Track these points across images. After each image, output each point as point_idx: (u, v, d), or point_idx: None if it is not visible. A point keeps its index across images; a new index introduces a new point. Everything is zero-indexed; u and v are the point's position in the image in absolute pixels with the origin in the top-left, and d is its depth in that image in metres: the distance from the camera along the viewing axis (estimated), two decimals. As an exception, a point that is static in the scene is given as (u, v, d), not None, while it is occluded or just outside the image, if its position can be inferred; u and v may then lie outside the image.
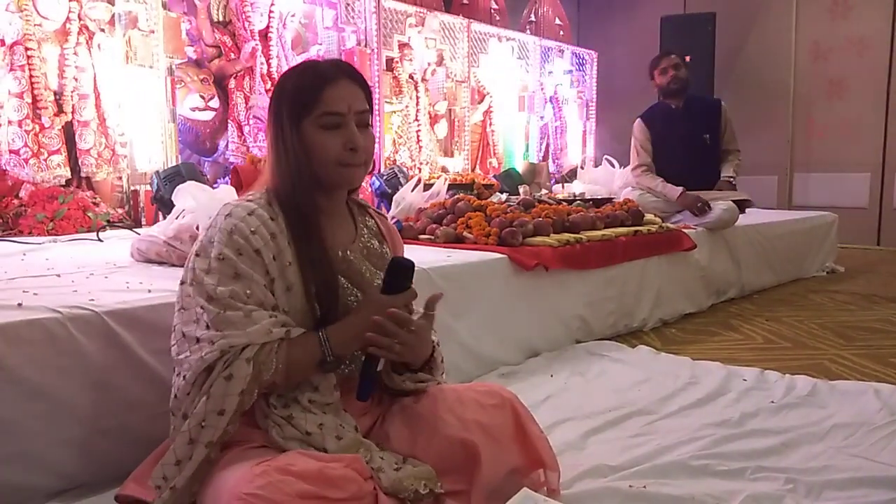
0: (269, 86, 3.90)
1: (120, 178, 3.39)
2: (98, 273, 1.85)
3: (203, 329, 1.12)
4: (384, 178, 4.09)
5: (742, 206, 3.62)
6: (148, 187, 3.35)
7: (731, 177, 3.74)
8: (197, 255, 1.17)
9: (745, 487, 1.40)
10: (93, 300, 1.42)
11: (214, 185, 3.35)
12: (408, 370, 1.30)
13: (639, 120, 3.87)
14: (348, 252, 1.28)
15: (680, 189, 3.60)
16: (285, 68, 3.98)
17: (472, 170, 5.34)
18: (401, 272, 1.20)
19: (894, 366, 2.33)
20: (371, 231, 1.36)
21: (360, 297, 1.25)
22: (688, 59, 5.70)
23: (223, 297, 1.11)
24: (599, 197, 3.97)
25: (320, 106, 1.19)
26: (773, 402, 1.92)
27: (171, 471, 1.09)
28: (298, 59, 4.13)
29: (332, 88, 1.20)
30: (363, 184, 4.31)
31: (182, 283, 1.19)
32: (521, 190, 4.40)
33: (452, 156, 5.22)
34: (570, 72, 6.35)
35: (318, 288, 1.19)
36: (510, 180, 4.89)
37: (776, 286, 3.88)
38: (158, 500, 1.10)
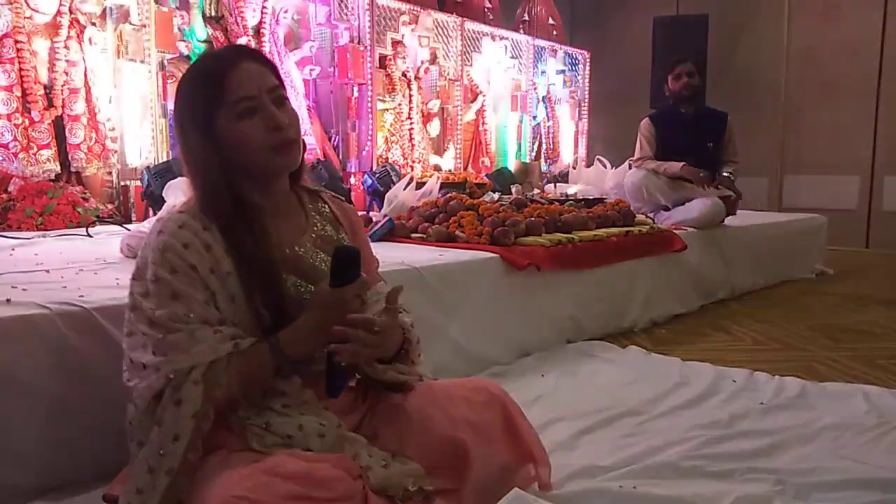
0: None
1: (110, 173, 3.37)
2: (88, 269, 1.84)
3: (149, 355, 1.07)
4: (376, 176, 4.08)
5: (732, 206, 3.64)
6: (138, 183, 3.33)
7: (730, 173, 3.76)
8: (134, 278, 1.13)
9: (735, 488, 1.40)
10: (82, 296, 1.41)
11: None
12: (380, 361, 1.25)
13: (647, 119, 3.92)
14: (296, 247, 1.22)
15: (681, 163, 3.62)
16: (278, 65, 3.98)
17: (465, 169, 5.34)
18: (346, 262, 1.12)
19: (883, 368, 2.35)
20: (324, 217, 1.29)
21: (296, 281, 1.19)
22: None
23: (163, 320, 1.06)
24: (591, 197, 3.97)
25: (229, 94, 1.11)
26: (762, 403, 1.93)
27: (136, 500, 1.04)
28: (291, 56, 4.12)
29: (235, 73, 1.12)
30: (356, 182, 4.33)
31: (127, 307, 1.14)
32: (513, 189, 4.40)
33: (442, 156, 5.22)
34: (563, 72, 6.36)
35: (263, 295, 1.13)
36: (502, 180, 4.89)
37: (766, 288, 3.90)
38: None
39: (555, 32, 6.44)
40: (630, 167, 3.94)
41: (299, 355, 1.13)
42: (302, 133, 1.23)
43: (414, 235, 2.75)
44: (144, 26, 3.34)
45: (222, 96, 1.12)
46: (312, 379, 1.18)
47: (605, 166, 4.73)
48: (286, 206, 1.25)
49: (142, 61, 3.34)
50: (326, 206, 1.32)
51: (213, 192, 1.14)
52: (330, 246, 1.24)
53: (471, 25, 5.35)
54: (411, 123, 4.84)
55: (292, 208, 1.26)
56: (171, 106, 3.51)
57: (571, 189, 4.52)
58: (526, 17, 6.34)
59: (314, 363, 1.18)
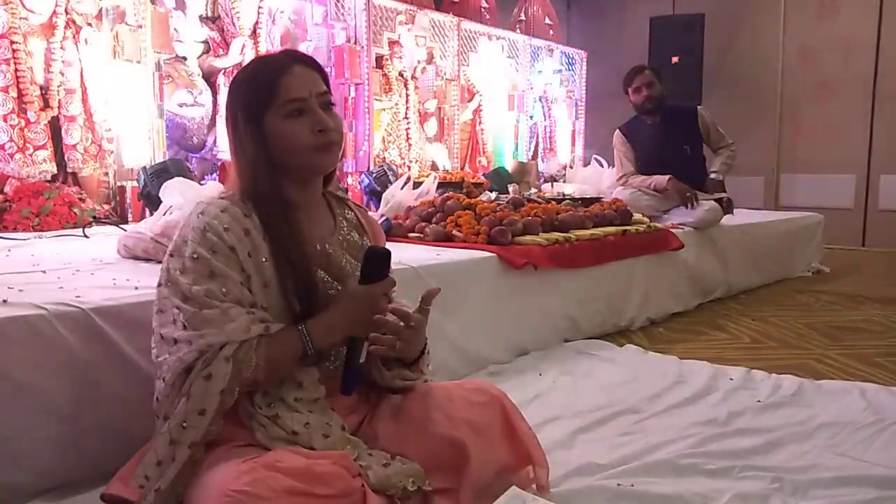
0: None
1: (106, 173, 3.36)
2: (84, 270, 1.84)
3: (180, 330, 1.11)
4: (373, 175, 4.08)
5: (727, 206, 3.65)
6: (135, 183, 3.32)
7: (716, 171, 3.76)
8: (171, 255, 1.16)
9: (732, 486, 1.41)
10: (79, 297, 1.40)
11: (202, 182, 3.33)
12: (399, 364, 1.30)
13: (618, 132, 3.91)
14: (327, 245, 1.27)
15: (667, 176, 3.62)
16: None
17: (462, 168, 5.34)
18: (377, 260, 1.18)
19: (879, 365, 2.35)
20: (350, 224, 1.34)
21: (325, 277, 1.24)
22: (675, 60, 5.76)
23: (199, 295, 1.09)
24: (588, 196, 3.98)
25: (280, 95, 1.17)
26: (759, 401, 1.94)
27: (153, 471, 1.08)
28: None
29: (287, 76, 1.18)
30: (353, 182, 4.33)
31: (159, 284, 1.18)
32: (510, 189, 4.40)
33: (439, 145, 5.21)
34: (560, 71, 6.37)
35: (296, 283, 1.18)
36: (499, 179, 4.89)
37: (762, 286, 3.91)
38: (143, 501, 1.08)
39: (551, 32, 6.45)
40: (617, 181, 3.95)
41: (325, 345, 1.16)
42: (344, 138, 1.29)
43: (411, 235, 2.75)
44: (141, 27, 3.33)
45: (274, 97, 1.18)
46: (326, 377, 1.21)
47: (602, 165, 4.73)
48: (318, 207, 1.30)
49: (138, 62, 3.34)
50: (352, 213, 1.37)
51: (258, 184, 1.18)
52: (355, 251, 1.30)
53: (467, 25, 5.35)
54: (408, 123, 4.84)
55: (323, 210, 1.32)
56: (167, 106, 3.52)
57: (568, 188, 4.52)
58: (522, 17, 6.34)
59: (331, 360, 1.23)
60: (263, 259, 1.16)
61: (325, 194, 1.33)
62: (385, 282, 1.18)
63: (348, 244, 1.31)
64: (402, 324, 1.20)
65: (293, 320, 1.17)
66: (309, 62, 1.23)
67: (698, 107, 3.90)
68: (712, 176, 3.75)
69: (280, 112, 1.18)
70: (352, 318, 1.16)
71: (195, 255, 1.12)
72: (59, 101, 3.16)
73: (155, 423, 1.15)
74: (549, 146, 6.28)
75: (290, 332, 1.15)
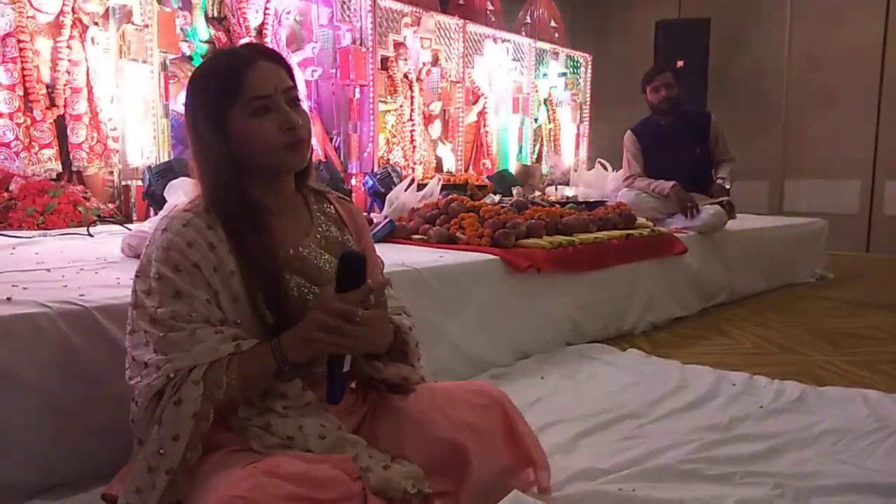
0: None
1: (111, 172, 3.37)
2: (88, 268, 1.84)
3: (151, 353, 1.07)
4: (377, 177, 4.08)
5: (729, 210, 3.66)
6: (140, 182, 3.33)
7: (724, 178, 3.77)
8: (137, 275, 1.12)
9: (734, 492, 1.40)
10: (83, 295, 1.41)
11: (207, 182, 3.33)
12: (389, 359, 1.25)
13: (629, 132, 3.94)
14: (300, 248, 1.21)
15: (672, 183, 3.63)
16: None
17: (466, 170, 5.34)
18: (350, 267, 1.10)
19: (883, 372, 2.35)
20: (329, 218, 1.29)
21: (299, 281, 1.19)
22: (681, 64, 5.75)
23: (165, 318, 1.06)
24: (592, 200, 3.98)
25: (245, 91, 1.11)
26: (761, 407, 1.93)
27: (134, 499, 1.05)
28: (293, 57, 4.13)
29: (252, 72, 1.12)
30: (357, 183, 4.33)
31: (130, 305, 1.13)
32: (514, 191, 4.41)
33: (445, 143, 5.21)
34: (565, 74, 6.36)
35: (266, 294, 1.13)
36: (503, 182, 4.89)
37: (766, 292, 3.90)
38: None
39: (556, 35, 6.45)
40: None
41: (300, 359, 1.11)
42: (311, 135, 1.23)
43: (415, 237, 2.75)
44: (147, 26, 3.34)
45: (238, 93, 1.12)
46: (314, 381, 1.17)
47: (606, 169, 4.73)
48: (291, 207, 1.24)
49: (144, 61, 3.35)
50: (332, 207, 1.31)
51: (222, 187, 1.14)
52: (335, 247, 1.24)
53: (473, 27, 5.36)
54: (413, 125, 4.85)
55: (297, 209, 1.26)
56: (172, 106, 3.52)
57: (572, 191, 4.52)
58: (528, 20, 6.35)
59: (316, 365, 1.18)
60: (230, 272, 1.11)
61: (301, 189, 1.27)
62: (360, 289, 1.10)
63: (327, 241, 1.25)
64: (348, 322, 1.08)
65: (268, 333, 1.13)
66: (274, 56, 1.18)
67: (712, 115, 3.91)
68: (719, 181, 3.76)
69: (245, 110, 1.12)
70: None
71: (158, 276, 1.08)
72: (65, 99, 3.17)
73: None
74: (553, 149, 6.28)
75: (262, 349, 1.10)
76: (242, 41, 3.79)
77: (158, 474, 1.03)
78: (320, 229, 1.26)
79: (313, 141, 4.02)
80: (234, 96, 1.12)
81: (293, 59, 4.11)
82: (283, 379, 1.13)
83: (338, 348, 1.11)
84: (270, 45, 3.93)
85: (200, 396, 1.04)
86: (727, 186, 3.76)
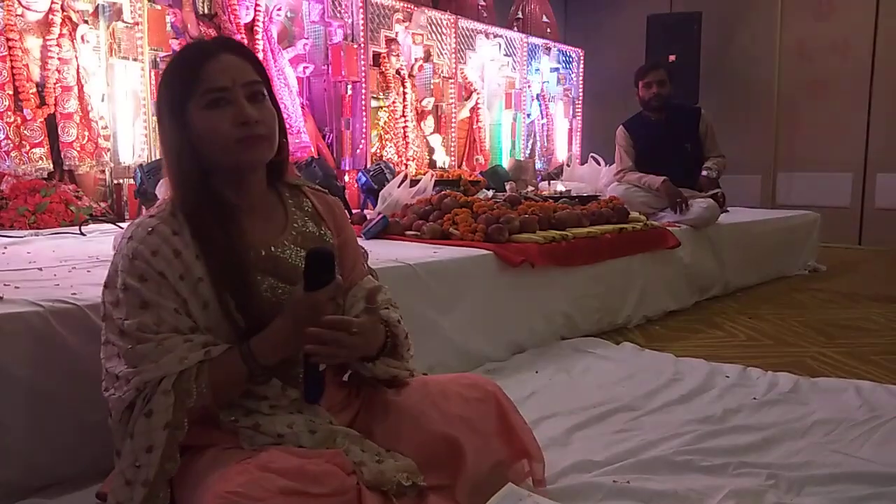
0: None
1: (103, 171, 3.36)
2: (80, 267, 1.84)
3: (122, 365, 1.06)
4: (370, 173, 4.07)
5: (721, 201, 3.67)
6: (131, 181, 3.32)
7: (709, 169, 3.78)
8: (105, 286, 1.11)
9: (728, 483, 1.41)
10: (75, 294, 1.40)
11: (199, 180, 3.32)
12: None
13: (621, 127, 3.95)
14: (273, 248, 1.17)
15: (662, 178, 3.64)
16: (272, 62, 3.97)
17: (459, 166, 5.34)
18: (318, 265, 1.08)
19: (875, 363, 2.36)
20: (306, 213, 1.25)
21: (272, 282, 1.16)
22: (672, 58, 5.76)
23: (132, 330, 1.04)
24: (585, 194, 3.98)
25: (202, 83, 1.09)
26: (755, 398, 1.94)
27: None
28: (285, 53, 4.11)
29: (211, 63, 1.10)
30: (350, 180, 4.32)
31: (101, 317, 1.12)
32: (507, 187, 4.41)
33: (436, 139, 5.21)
34: (557, 69, 6.37)
35: (234, 298, 1.10)
36: (497, 177, 4.89)
37: (759, 284, 3.91)
38: None
39: (548, 30, 6.44)
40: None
41: (272, 361, 1.10)
42: (284, 130, 1.20)
43: (408, 233, 2.75)
44: (137, 24, 3.33)
45: (196, 85, 1.10)
46: (293, 381, 1.16)
47: (598, 163, 4.74)
48: (264, 204, 1.21)
49: (134, 59, 3.33)
50: (308, 202, 1.27)
51: (185, 181, 1.11)
52: (312, 243, 1.21)
53: (465, 23, 5.35)
54: (405, 121, 4.84)
55: (271, 206, 1.22)
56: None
57: (564, 186, 4.53)
58: (520, 15, 6.34)
59: (291, 367, 1.15)
60: (198, 279, 1.09)
61: (277, 186, 1.24)
62: (330, 287, 1.08)
63: (304, 237, 1.21)
64: (344, 333, 1.10)
65: (241, 337, 1.11)
66: (238, 49, 1.15)
67: (703, 110, 3.92)
68: (704, 173, 3.78)
69: (201, 101, 1.09)
70: (297, 330, 1.08)
71: (125, 286, 1.06)
72: (56, 98, 3.15)
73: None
74: (545, 144, 6.28)
75: (232, 354, 1.08)
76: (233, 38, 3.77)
77: (135, 487, 1.03)
78: (296, 226, 1.22)
79: (306, 138, 4.05)
80: (191, 88, 1.10)
81: (285, 56, 4.10)
82: (257, 382, 1.12)
83: (330, 359, 1.11)
84: (262, 42, 3.92)
85: (171, 406, 1.03)
86: (713, 177, 3.77)
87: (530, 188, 4.67)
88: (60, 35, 3.15)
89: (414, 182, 3.26)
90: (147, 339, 1.05)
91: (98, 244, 2.37)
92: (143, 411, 1.03)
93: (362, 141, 4.44)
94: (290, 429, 1.12)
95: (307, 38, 4.29)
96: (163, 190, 2.08)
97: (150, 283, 1.06)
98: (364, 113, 4.44)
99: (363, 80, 4.42)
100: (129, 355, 1.05)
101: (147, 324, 1.05)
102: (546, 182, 5.01)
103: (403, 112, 4.82)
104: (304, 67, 4.27)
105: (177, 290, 1.07)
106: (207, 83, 1.09)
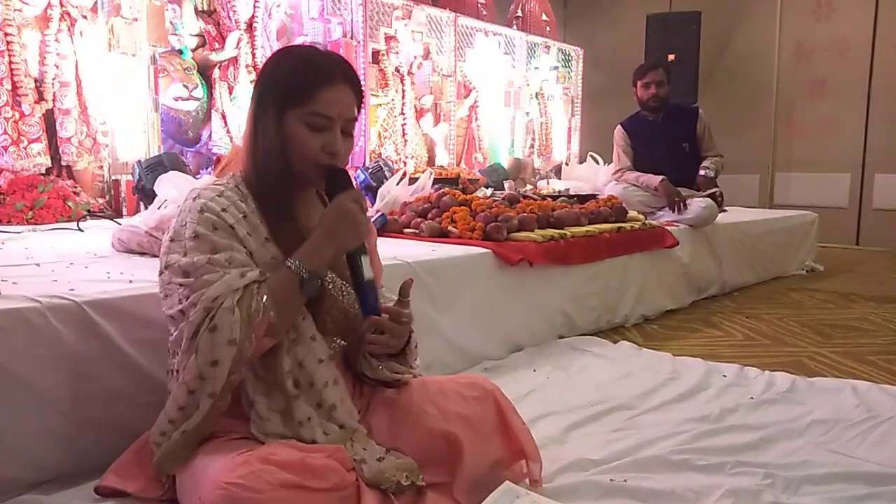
0: (253, 77, 3.87)
1: (101, 167, 3.35)
2: (78, 263, 1.83)
3: (186, 301, 1.10)
4: (369, 171, 4.07)
5: (720, 200, 3.68)
6: (129, 177, 3.31)
7: (706, 168, 3.79)
8: (171, 240, 1.15)
9: (725, 482, 1.41)
10: (73, 290, 1.40)
11: (197, 176, 3.32)
12: (387, 356, 1.29)
13: (619, 127, 3.96)
14: None
15: (660, 177, 3.65)
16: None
17: (458, 164, 5.34)
18: (335, 177, 1.20)
19: (871, 363, 2.37)
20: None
21: (334, 277, 1.24)
22: (671, 57, 5.77)
23: (200, 264, 1.09)
24: (584, 193, 3.99)
25: (312, 104, 1.16)
26: (752, 398, 1.94)
27: (176, 415, 1.09)
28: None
29: (328, 90, 1.17)
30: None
31: (160, 272, 1.16)
32: (505, 185, 4.41)
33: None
34: (556, 68, 6.36)
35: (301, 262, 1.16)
36: (495, 175, 4.89)
37: (757, 284, 3.92)
38: (166, 442, 1.10)
39: (548, 28, 6.44)
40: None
41: (317, 265, 1.15)
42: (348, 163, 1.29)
43: (406, 231, 2.75)
44: (136, 20, 3.32)
45: (307, 102, 1.16)
46: (332, 354, 1.23)
47: (597, 162, 4.74)
48: (310, 202, 1.30)
49: (133, 55, 3.32)
50: None
51: (264, 168, 1.18)
52: None
53: (464, 21, 5.34)
54: (404, 119, 4.83)
55: (315, 204, 1.31)
56: (162, 100, 3.50)
57: (563, 185, 4.53)
58: (519, 13, 6.34)
59: (335, 342, 1.24)
60: (265, 238, 1.17)
61: (318, 191, 1.32)
62: (348, 192, 1.18)
63: None
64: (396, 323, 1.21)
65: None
66: (354, 82, 1.22)
67: (700, 110, 3.93)
68: (702, 173, 3.78)
69: (303, 117, 1.16)
70: (330, 231, 1.15)
71: (195, 234, 1.11)
72: (54, 93, 3.15)
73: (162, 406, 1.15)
74: (545, 143, 6.28)
75: (282, 269, 1.14)
76: (231, 35, 3.77)
77: (200, 396, 1.07)
78: None
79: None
80: (301, 103, 1.16)
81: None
82: (306, 292, 1.14)
83: (384, 347, 1.20)
84: (260, 39, 3.91)
85: (238, 321, 1.06)
86: (711, 176, 3.78)
87: (529, 187, 4.68)
88: (59, 30, 3.14)
89: (413, 180, 3.26)
90: (213, 270, 1.09)
91: (96, 240, 2.36)
92: (209, 327, 1.06)
93: (361, 138, 4.44)
94: (308, 422, 1.15)
95: (306, 36, 4.28)
96: (161, 186, 2.07)
97: (220, 232, 1.13)
98: (363, 110, 4.42)
99: (362, 77, 4.41)
100: (195, 285, 1.09)
101: (218, 259, 1.10)
102: (545, 181, 5.02)
103: (402, 110, 4.82)
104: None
105: (245, 244, 1.14)
106: (317, 107, 1.16)
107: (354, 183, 1.23)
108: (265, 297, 1.09)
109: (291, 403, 1.15)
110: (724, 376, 2.13)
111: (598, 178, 4.49)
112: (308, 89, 1.16)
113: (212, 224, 1.12)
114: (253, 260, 1.14)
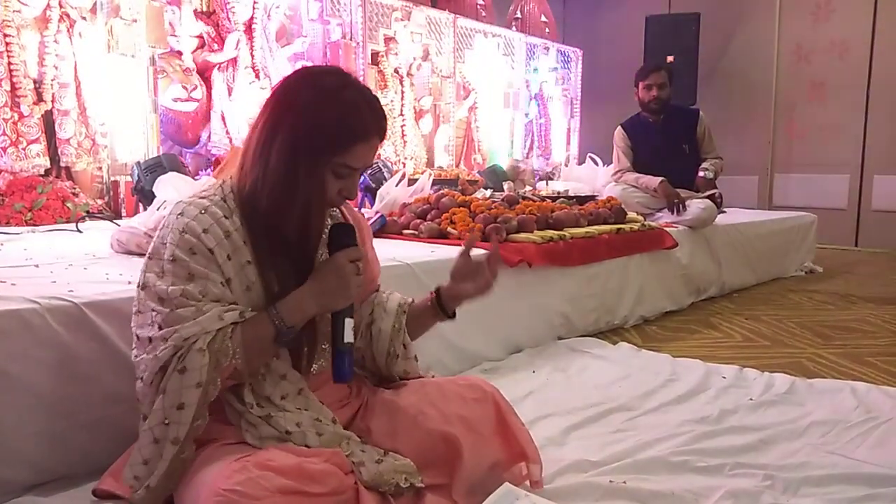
0: (251, 78, 3.87)
1: (100, 168, 3.35)
2: (77, 264, 1.83)
3: (156, 329, 1.08)
4: (368, 172, 4.07)
5: (719, 204, 3.68)
6: (128, 178, 3.31)
7: (706, 170, 3.79)
8: (150, 257, 1.13)
9: (724, 483, 1.41)
10: (71, 291, 1.40)
11: (196, 177, 3.32)
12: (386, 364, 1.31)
13: (619, 128, 3.96)
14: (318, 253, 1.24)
15: (659, 179, 3.65)
16: (269, 60, 3.97)
17: (457, 165, 5.34)
18: (338, 233, 1.19)
19: (871, 364, 2.36)
20: (335, 220, 1.30)
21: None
22: (671, 59, 5.77)
23: (175, 296, 1.07)
24: (583, 194, 3.99)
25: (345, 157, 1.13)
26: (751, 399, 1.94)
27: (141, 470, 1.07)
28: (283, 51, 4.10)
29: (362, 146, 1.14)
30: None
31: (138, 285, 1.14)
32: (505, 186, 4.41)
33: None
34: (555, 69, 6.37)
35: (280, 287, 1.14)
36: (494, 177, 4.89)
37: (756, 285, 3.92)
38: (134, 495, 1.08)
39: (547, 30, 6.45)
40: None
41: (298, 320, 1.13)
42: None
43: (406, 232, 2.75)
44: (135, 21, 3.32)
45: (340, 155, 1.13)
46: (314, 354, 1.22)
47: (596, 164, 4.74)
48: None
49: (132, 56, 3.32)
50: (337, 211, 1.33)
51: (274, 200, 1.12)
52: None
53: (463, 22, 5.35)
54: (403, 120, 4.84)
55: None
56: (161, 101, 3.50)
57: (562, 186, 4.53)
58: (518, 15, 6.34)
59: (316, 362, 1.22)
60: (246, 262, 1.13)
61: None
62: (348, 250, 1.17)
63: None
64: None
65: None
66: (384, 133, 1.19)
67: (700, 112, 3.93)
68: (701, 174, 3.79)
69: (331, 167, 1.13)
70: (321, 288, 1.13)
71: (173, 258, 1.09)
72: (53, 94, 3.15)
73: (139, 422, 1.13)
74: (544, 144, 6.28)
75: (261, 315, 1.12)
76: (231, 36, 3.76)
77: (164, 444, 1.05)
78: (325, 233, 1.27)
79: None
80: (334, 155, 1.13)
81: (283, 54, 4.10)
82: (281, 344, 1.13)
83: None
84: (259, 40, 3.91)
85: (206, 364, 1.05)
86: (710, 177, 3.78)
87: (528, 188, 4.67)
88: (58, 31, 3.14)
89: (412, 181, 3.26)
90: (188, 304, 1.07)
91: (95, 241, 2.36)
92: (177, 368, 1.05)
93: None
94: (298, 428, 1.14)
95: (305, 37, 4.28)
96: (160, 187, 2.07)
97: (198, 257, 1.09)
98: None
99: (361, 78, 4.41)
100: (168, 318, 1.07)
101: (191, 292, 1.08)
102: (544, 182, 5.01)
103: (402, 111, 4.82)
104: (303, 65, 4.26)
105: (223, 269, 1.11)
106: (349, 160, 1.14)
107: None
108: (237, 344, 1.08)
109: (284, 413, 1.14)
110: (724, 378, 2.13)
111: (598, 179, 4.49)
112: (344, 144, 1.13)
113: (190, 248, 1.09)
114: (229, 288, 1.11)
